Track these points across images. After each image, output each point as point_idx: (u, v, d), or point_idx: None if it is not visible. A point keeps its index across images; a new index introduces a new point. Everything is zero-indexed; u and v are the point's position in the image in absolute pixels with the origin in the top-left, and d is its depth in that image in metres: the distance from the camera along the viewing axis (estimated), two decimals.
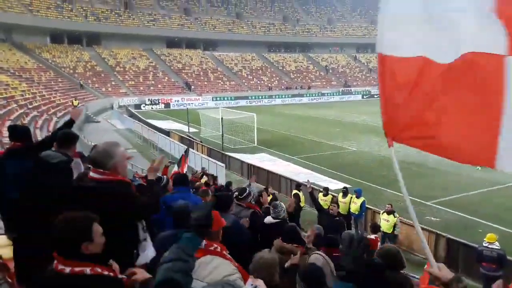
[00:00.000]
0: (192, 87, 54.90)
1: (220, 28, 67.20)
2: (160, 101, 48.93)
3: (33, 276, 1.98)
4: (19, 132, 3.74)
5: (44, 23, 48.97)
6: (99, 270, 1.83)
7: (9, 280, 2.93)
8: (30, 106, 25.71)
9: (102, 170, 2.49)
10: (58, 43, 53.11)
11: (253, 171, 16.72)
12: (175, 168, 9.49)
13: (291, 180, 14.60)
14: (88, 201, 2.37)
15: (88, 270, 1.80)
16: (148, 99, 48.45)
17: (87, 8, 56.57)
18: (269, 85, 60.52)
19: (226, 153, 20.25)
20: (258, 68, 65.02)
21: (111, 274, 1.88)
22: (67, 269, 1.79)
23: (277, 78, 63.26)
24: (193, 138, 23.66)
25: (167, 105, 48.63)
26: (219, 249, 2.29)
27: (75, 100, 35.23)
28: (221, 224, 2.48)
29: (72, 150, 3.71)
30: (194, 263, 2.18)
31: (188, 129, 28.20)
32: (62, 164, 3.22)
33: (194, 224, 2.37)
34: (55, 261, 1.84)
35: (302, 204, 11.78)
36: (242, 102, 51.90)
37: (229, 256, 2.32)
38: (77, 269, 1.79)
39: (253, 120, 25.71)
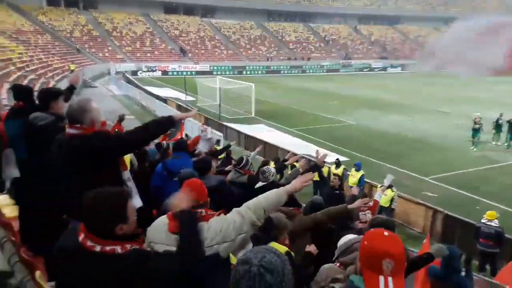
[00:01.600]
0: (190, 54, 53.85)
1: None
2: (157, 68, 48.15)
3: (56, 246, 1.85)
4: (21, 92, 3.82)
5: None
6: (128, 246, 1.74)
7: (13, 238, 2.88)
8: (28, 69, 25.17)
9: (79, 125, 2.50)
10: (55, 6, 51.60)
11: (251, 142, 16.58)
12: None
13: (288, 151, 14.45)
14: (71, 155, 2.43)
15: (119, 249, 1.71)
16: (145, 66, 47.62)
17: None
18: (268, 55, 59.41)
19: (224, 123, 20.00)
20: (257, 37, 63.61)
21: (138, 247, 1.78)
22: (98, 247, 1.69)
23: (276, 48, 62.04)
24: (190, 107, 23.33)
25: (164, 72, 47.89)
26: (204, 213, 2.16)
27: (72, 64, 34.61)
28: (204, 192, 2.32)
29: (57, 107, 3.52)
30: None
31: (185, 97, 27.76)
32: (50, 126, 3.11)
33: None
34: (83, 236, 1.70)
35: None
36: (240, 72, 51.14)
37: (212, 214, 2.17)
38: (108, 248, 1.70)
39: (251, 90, 25.28)
